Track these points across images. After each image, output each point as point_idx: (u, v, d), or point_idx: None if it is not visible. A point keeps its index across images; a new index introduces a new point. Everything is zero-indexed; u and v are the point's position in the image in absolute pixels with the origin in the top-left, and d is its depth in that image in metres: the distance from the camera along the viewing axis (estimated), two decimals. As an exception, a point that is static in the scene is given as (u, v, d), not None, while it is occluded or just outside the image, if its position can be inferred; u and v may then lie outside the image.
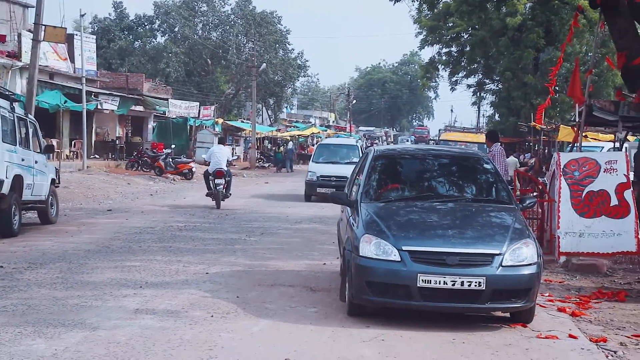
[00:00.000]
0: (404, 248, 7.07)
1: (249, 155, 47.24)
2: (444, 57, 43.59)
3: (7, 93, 14.06)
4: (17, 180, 13.16)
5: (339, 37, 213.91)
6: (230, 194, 20.21)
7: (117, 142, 37.96)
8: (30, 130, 14.41)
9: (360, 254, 7.20)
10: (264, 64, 53.04)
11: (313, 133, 64.93)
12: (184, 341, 6.42)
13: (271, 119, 75.27)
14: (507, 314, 7.55)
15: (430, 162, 9.01)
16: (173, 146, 36.53)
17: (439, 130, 58.85)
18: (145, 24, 67.36)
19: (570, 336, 7.09)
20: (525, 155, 36.07)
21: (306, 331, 6.92)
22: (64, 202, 19.13)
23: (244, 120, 60.26)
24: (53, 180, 15.44)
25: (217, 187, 19.18)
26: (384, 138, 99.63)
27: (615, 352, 6.65)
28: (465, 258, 7.04)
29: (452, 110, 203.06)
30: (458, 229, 7.49)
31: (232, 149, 43.17)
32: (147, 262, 10.42)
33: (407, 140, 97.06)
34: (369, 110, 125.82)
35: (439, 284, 6.94)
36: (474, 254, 7.09)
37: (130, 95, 37.69)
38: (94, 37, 44.41)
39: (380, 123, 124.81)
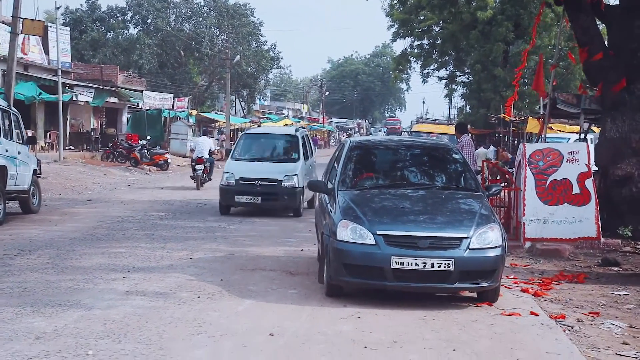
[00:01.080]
0: (379, 232, 7.60)
1: (224, 147, 47.50)
2: (415, 50, 44.15)
3: None
4: (1, 171, 13.51)
5: (312, 30, 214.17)
6: (211, 179, 23.52)
7: (92, 134, 38.10)
8: (13, 122, 14.67)
9: (338, 238, 7.71)
10: (238, 56, 53.28)
11: (286, 125, 65.30)
12: (175, 319, 6.89)
13: (244, 111, 75.49)
14: (474, 294, 8.12)
15: (403, 153, 9.58)
16: (148, 138, 36.77)
17: (411, 122, 59.59)
18: (118, 15, 67.11)
19: (532, 313, 7.66)
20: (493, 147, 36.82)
21: (288, 310, 7.43)
22: (43, 192, 19.40)
23: (218, 112, 60.47)
24: (35, 171, 15.77)
25: (197, 172, 22.91)
26: (357, 129, 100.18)
27: (572, 327, 7.23)
28: (435, 241, 7.59)
29: (424, 102, 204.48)
30: (429, 214, 8.05)
31: (218, 140, 43.38)
32: (133, 249, 10.87)
33: (380, 132, 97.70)
34: (341, 101, 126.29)
35: (411, 265, 7.47)
36: (444, 237, 7.64)
37: (105, 87, 37.86)
38: (68, 29, 44.36)
39: (353, 114, 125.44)
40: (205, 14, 67.73)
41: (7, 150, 13.78)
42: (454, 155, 9.41)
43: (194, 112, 51.43)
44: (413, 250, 7.52)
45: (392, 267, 7.48)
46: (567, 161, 11.96)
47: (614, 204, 12.46)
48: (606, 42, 13.44)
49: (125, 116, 44.02)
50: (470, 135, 13.88)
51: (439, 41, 42.75)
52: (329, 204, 8.53)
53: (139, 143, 34.21)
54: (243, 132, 19.51)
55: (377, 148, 9.85)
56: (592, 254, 11.61)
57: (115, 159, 33.55)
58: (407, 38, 44.06)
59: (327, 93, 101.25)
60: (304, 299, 7.92)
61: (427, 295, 8.00)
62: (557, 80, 33.17)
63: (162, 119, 44.73)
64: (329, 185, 8.89)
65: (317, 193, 9.76)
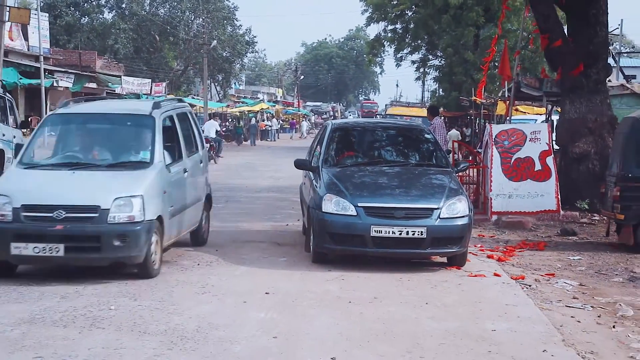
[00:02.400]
0: (359, 204, 8.54)
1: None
2: (389, 34, 45.06)
3: None
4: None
5: (286, 15, 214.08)
6: (221, 156, 28.94)
7: (71, 119, 38.60)
8: (8, 108, 15.38)
9: (323, 210, 8.65)
10: (215, 41, 53.82)
11: (262, 109, 66.02)
12: (180, 282, 7.80)
13: (220, 95, 75.97)
14: (444, 259, 9.11)
15: (380, 133, 10.54)
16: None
17: (385, 104, 60.65)
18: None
19: (495, 275, 8.67)
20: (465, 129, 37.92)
21: (279, 274, 8.36)
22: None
23: (195, 97, 60.96)
24: None
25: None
26: (332, 113, 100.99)
27: (530, 285, 8.24)
28: (409, 212, 8.55)
29: (397, 85, 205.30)
30: (403, 188, 9.02)
31: (220, 123, 44.17)
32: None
33: (351, 115, 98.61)
34: (316, 85, 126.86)
35: (388, 233, 8.43)
36: (417, 208, 8.61)
37: (85, 73, 38.31)
38: (47, 15, 44.64)
39: (327, 98, 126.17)
40: (180, -2, 67.90)
41: (3, 135, 14.48)
42: (426, 136, 10.40)
43: (172, 97, 51.99)
44: (390, 219, 8.47)
45: (371, 235, 8.43)
46: (530, 140, 12.99)
47: (573, 180, 13.55)
48: (566, 30, 14.46)
49: (103, 101, 44.44)
50: (442, 117, 14.85)
51: (412, 25, 43.67)
52: (313, 180, 9.45)
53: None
54: (50, 113, 10.21)
55: (356, 129, 10.81)
56: (552, 225, 12.66)
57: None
58: (380, 22, 44.99)
59: (302, 77, 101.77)
60: (293, 265, 8.86)
61: (403, 260, 8.96)
62: (524, 64, 34.43)
63: (140, 103, 45.27)
64: (314, 164, 9.81)
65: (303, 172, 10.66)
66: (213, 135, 29.04)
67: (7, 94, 16.19)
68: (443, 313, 6.87)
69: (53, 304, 6.71)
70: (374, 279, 8.17)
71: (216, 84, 75.15)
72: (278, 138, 57.52)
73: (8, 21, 21.69)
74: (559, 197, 12.82)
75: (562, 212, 12.92)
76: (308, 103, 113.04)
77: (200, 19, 65.81)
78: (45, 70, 33.28)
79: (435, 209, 8.60)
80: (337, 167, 9.54)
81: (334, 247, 8.67)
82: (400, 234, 8.43)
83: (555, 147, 13.90)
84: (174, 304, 6.85)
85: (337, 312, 6.80)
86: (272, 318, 6.51)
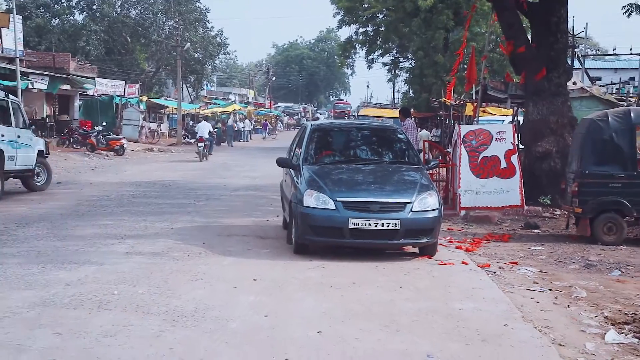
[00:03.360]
0: (338, 199, 9.24)
1: (177, 132, 48.62)
2: (360, 37, 45.89)
3: None
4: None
5: (257, 16, 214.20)
6: (212, 154, 32.70)
7: (47, 120, 38.85)
8: (12, 109, 16.12)
9: (304, 205, 9.33)
10: (188, 43, 54.24)
11: (235, 110, 66.48)
12: (174, 270, 8.43)
13: (192, 96, 76.25)
14: (416, 249, 9.84)
15: (356, 134, 11.27)
16: (104, 124, 37.74)
17: (358, 106, 61.47)
18: (63, 1, 67.08)
19: (463, 263, 9.42)
20: (434, 130, 38.80)
21: (264, 263, 9.02)
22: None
23: (167, 98, 61.27)
24: (42, 152, 17.43)
25: (199, 148, 31.15)
26: (303, 114, 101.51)
27: (494, 272, 8.99)
28: (384, 206, 9.26)
29: (368, 86, 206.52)
30: (378, 184, 9.73)
31: (213, 125, 44.96)
32: (118, 221, 12.30)
33: (322, 115, 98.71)
34: (287, 86, 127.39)
35: (365, 225, 9.13)
36: (391, 202, 9.32)
37: (59, 75, 38.56)
38: (21, 17, 44.75)
39: (299, 99, 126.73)
40: (151, 0, 68.09)
41: (2, 135, 15.31)
42: (399, 135, 11.15)
43: (145, 98, 52.31)
44: (366, 213, 9.17)
45: (349, 227, 9.13)
46: (496, 140, 13.80)
47: (536, 177, 14.41)
48: (529, 36, 15.32)
49: (77, 103, 44.71)
50: (413, 118, 15.61)
51: (383, 28, 44.54)
52: (295, 177, 10.12)
53: (95, 129, 35.24)
54: None
55: (333, 130, 11.54)
56: (516, 219, 13.49)
57: (71, 144, 34.51)
58: (352, 25, 45.83)
59: (274, 78, 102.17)
60: (276, 256, 9.53)
61: (379, 250, 9.69)
62: (492, 67, 35.38)
63: (114, 105, 45.59)
64: (295, 162, 10.49)
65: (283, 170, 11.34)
66: (206, 135, 32.89)
67: (11, 96, 17.02)
68: (416, 295, 7.58)
69: (59, 290, 7.31)
70: (352, 267, 8.86)
71: (188, 85, 75.42)
72: (251, 139, 58.05)
73: (-12, 25, 22.02)
74: (523, 193, 13.66)
75: (525, 207, 13.76)
76: (279, 104, 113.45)
77: (172, 21, 66.06)
78: (24, 73, 33.61)
79: (408, 203, 9.32)
80: (317, 165, 10.22)
81: (315, 238, 9.36)
82: (375, 226, 9.13)
83: (520, 146, 14.73)
84: (170, 289, 7.48)
85: (320, 295, 7.48)
86: (261, 301, 7.17)
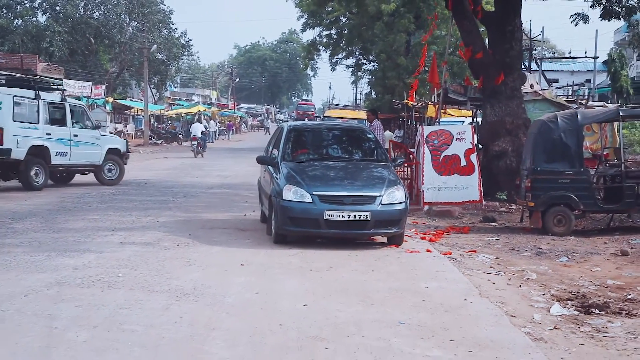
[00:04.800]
0: (314, 193, 10.19)
1: (143, 133, 49.12)
2: (324, 40, 46.91)
3: (37, 84, 19.16)
4: (39, 150, 17.81)
5: (218, 17, 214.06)
6: (205, 151, 36.71)
7: (16, 121, 39.20)
8: (69, 112, 18.79)
9: (284, 198, 10.27)
10: (155, 45, 54.71)
11: (200, 111, 67.06)
12: (168, 257, 9.32)
13: (155, 97, 76.56)
14: (385, 239, 10.83)
15: (328, 133, 12.28)
16: (74, 124, 38.16)
17: (323, 107, 62.38)
18: (25, 1, 66.91)
19: (427, 251, 10.44)
20: (397, 130, 39.88)
21: (248, 252, 9.94)
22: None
23: (132, 99, 61.62)
24: (117, 150, 20.38)
25: (193, 146, 35.83)
26: (266, 115, 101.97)
27: (455, 258, 10.01)
28: (356, 199, 10.24)
29: (330, 87, 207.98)
30: (350, 179, 10.71)
31: (205, 125, 48.51)
32: (105, 216, 13.12)
33: (285, 117, 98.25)
34: (249, 87, 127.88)
35: (339, 217, 10.10)
36: (362, 196, 10.31)
37: (28, 76, 38.89)
38: (-12, 18, 44.96)
39: (261, 100, 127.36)
40: (115, 1, 68.24)
41: (49, 134, 18.01)
42: (368, 135, 12.18)
43: (111, 99, 52.74)
44: (340, 205, 10.15)
45: (325, 218, 10.09)
46: (456, 140, 14.89)
47: (493, 174, 15.54)
48: (487, 42, 16.46)
49: (44, 104, 45.00)
50: (379, 119, 16.66)
51: (346, 31, 45.62)
52: (274, 174, 11.06)
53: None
54: None
55: (308, 130, 12.53)
56: (475, 214, 14.59)
57: (40, 145, 34.97)
58: (316, 28, 46.86)
59: (238, 80, 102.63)
60: (258, 245, 10.46)
61: (351, 240, 10.68)
62: (452, 69, 36.63)
63: (80, 106, 45.98)
64: (273, 160, 11.44)
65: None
66: (199, 134, 36.62)
67: (71, 100, 20.37)
68: (386, 277, 8.57)
69: (69, 273, 8.16)
70: (328, 254, 9.82)
71: (152, 86, 75.72)
72: (216, 139, 58.71)
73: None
74: (482, 189, 14.76)
75: (484, 202, 14.87)
76: (242, 105, 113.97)
77: (136, 22, 66.36)
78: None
79: (378, 196, 10.32)
80: (294, 162, 11.17)
81: (293, 228, 10.31)
82: (348, 217, 10.12)
83: (479, 145, 15.85)
84: (168, 272, 8.37)
85: (302, 276, 8.43)
86: (250, 281, 8.10)
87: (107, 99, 51.11)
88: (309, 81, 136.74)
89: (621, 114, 12.83)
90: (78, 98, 45.64)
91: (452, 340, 5.99)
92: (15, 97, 17.67)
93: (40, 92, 18.41)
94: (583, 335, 6.49)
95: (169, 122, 67.88)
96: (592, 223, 13.54)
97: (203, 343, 5.75)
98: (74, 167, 19.64)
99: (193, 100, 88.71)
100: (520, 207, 13.63)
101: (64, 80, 45.70)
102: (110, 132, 43.21)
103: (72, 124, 18.96)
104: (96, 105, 48.05)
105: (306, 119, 59.12)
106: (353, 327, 6.31)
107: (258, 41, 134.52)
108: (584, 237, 12.23)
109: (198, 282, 7.90)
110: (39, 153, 17.93)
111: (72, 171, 20.14)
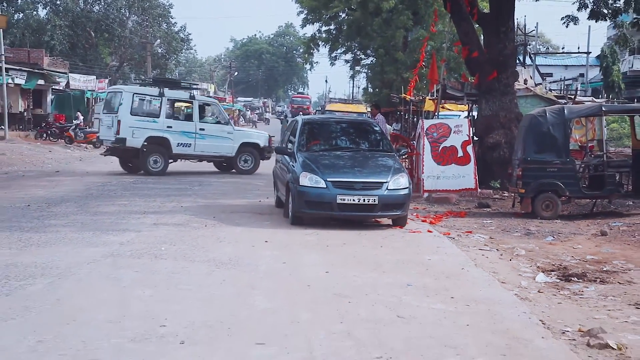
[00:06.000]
0: (328, 179, 11.42)
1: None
2: (323, 35, 48.01)
3: (175, 84, 22.52)
4: (159, 140, 20.77)
5: (215, 11, 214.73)
6: None
7: (25, 114, 40.34)
8: (196, 108, 21.47)
9: (300, 184, 11.49)
10: (159, 39, 55.76)
11: (199, 104, 67.93)
12: (199, 235, 10.53)
13: (154, 90, 77.38)
14: (390, 221, 12.07)
15: (339, 126, 13.49)
16: (82, 117, 39.37)
17: (324, 101, 63.44)
18: (26, -5, 67.67)
19: (428, 231, 11.68)
20: (394, 124, 41.07)
21: (269, 231, 11.16)
22: (10, 166, 22.46)
23: (134, 93, 62.45)
24: (255, 144, 22.34)
25: None
26: (263, 108, 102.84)
27: (454, 238, 11.25)
28: (365, 185, 11.47)
29: (326, 81, 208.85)
30: (360, 167, 11.94)
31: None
32: (133, 202, 14.32)
33: (281, 109, 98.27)
34: (246, 81, 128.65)
35: (350, 200, 11.33)
36: (371, 182, 11.53)
37: (37, 70, 40.07)
38: (-2, 14, 45.98)
39: (258, 94, 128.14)
40: (115, -4, 69.05)
41: (169, 127, 20.91)
42: (375, 127, 13.42)
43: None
44: (351, 190, 11.37)
45: (337, 202, 11.32)
46: (454, 132, 16.11)
47: (487, 164, 16.80)
48: (482, 42, 17.69)
49: (49, 97, 46.13)
50: (382, 113, 17.88)
51: (345, 27, 46.72)
52: (290, 163, 12.27)
53: (73, 123, 36.92)
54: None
55: (320, 123, 13.77)
56: (471, 200, 15.83)
57: (48, 137, 36.13)
58: (315, 24, 47.92)
59: (236, 73, 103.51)
60: (277, 226, 11.69)
61: (360, 221, 11.92)
62: (449, 64, 37.77)
63: (86, 99, 47.15)
64: (290, 150, 12.65)
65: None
66: None
67: (200, 96, 23.19)
68: (393, 251, 9.81)
69: (118, 247, 9.37)
70: (340, 234, 11.04)
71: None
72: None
73: (-14, 26, 23.67)
74: (477, 178, 16.00)
75: (479, 190, 16.11)
76: (239, 98, 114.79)
77: (135, 16, 67.33)
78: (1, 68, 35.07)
79: (384, 182, 11.55)
80: (308, 152, 12.40)
81: (309, 211, 11.54)
82: (358, 201, 11.34)
83: (474, 138, 17.10)
84: (203, 247, 9.59)
85: (320, 251, 9.66)
86: (276, 254, 9.32)
87: (110, 92, 52.16)
88: (305, 75, 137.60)
89: (603, 109, 14.10)
90: (83, 92, 47.02)
91: (452, 298, 7.22)
92: (135, 94, 21.17)
93: (165, 90, 21.15)
94: (562, 296, 7.72)
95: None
96: (577, 208, 14.83)
97: (247, 298, 6.98)
98: (199, 157, 21.99)
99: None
100: (512, 194, 14.86)
101: (70, 74, 46.91)
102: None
103: (200, 119, 21.55)
104: (100, 99, 49.15)
105: (301, 113, 60.05)
106: (369, 288, 7.54)
107: (255, 35, 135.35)
108: (569, 220, 13.47)
109: (231, 254, 9.11)
110: (159, 143, 20.77)
111: (205, 160, 22.50)
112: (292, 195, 11.70)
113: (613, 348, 5.77)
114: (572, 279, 8.61)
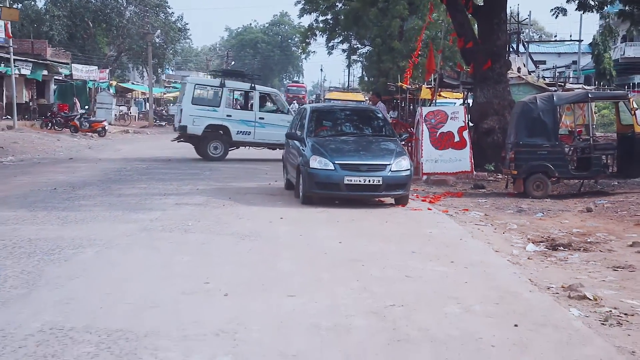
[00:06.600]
0: (336, 162, 12.42)
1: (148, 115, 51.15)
2: (320, 25, 48.95)
3: (245, 76, 24.22)
4: (218, 128, 22.56)
5: (213, 6, 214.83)
6: None
7: (30, 104, 41.24)
8: (257, 98, 22.96)
9: (310, 167, 12.49)
10: (159, 30, 56.58)
11: (198, 93, 68.82)
12: (220, 213, 11.53)
13: (153, 81, 78.20)
14: (393, 201, 13.09)
15: (344, 113, 14.50)
16: (87, 107, 40.30)
17: (323, 90, 64.42)
18: (24, -15, 68.23)
19: (428, 209, 12.71)
20: (391, 112, 42.05)
21: (282, 210, 12.14)
22: (24, 153, 23.42)
23: (134, 83, 63.44)
24: None
25: None
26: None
27: (452, 215, 12.26)
28: (370, 167, 12.48)
29: (321, 70, 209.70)
30: (365, 151, 12.94)
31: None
32: (151, 185, 15.29)
33: None
34: (242, 70, 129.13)
35: (356, 181, 12.34)
36: (375, 164, 12.54)
37: (41, 61, 40.94)
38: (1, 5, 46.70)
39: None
40: (112, -14, 69.65)
41: (229, 116, 22.63)
42: (377, 114, 14.43)
43: (114, 83, 54.72)
44: (357, 172, 12.38)
45: (345, 182, 12.33)
46: (450, 119, 17.12)
47: (482, 148, 17.83)
48: (476, 33, 18.69)
49: (52, 87, 47.02)
50: (383, 101, 18.89)
51: (342, 17, 47.64)
52: (300, 147, 13.26)
53: (78, 112, 37.85)
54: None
55: (327, 111, 14.80)
56: (467, 182, 16.87)
57: (53, 126, 37.02)
58: (312, 14, 48.86)
59: (233, 63, 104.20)
60: (289, 205, 12.68)
61: (366, 201, 12.93)
62: (445, 53, 38.73)
63: (87, 89, 48.07)
64: (300, 135, 13.64)
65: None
66: None
67: (260, 87, 23.99)
68: (397, 226, 10.83)
69: (149, 224, 10.36)
70: (348, 212, 12.03)
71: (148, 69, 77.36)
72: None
73: (1, 19, 24.55)
74: (472, 161, 17.02)
75: (474, 173, 17.15)
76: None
77: (132, 6, 68.02)
78: (6, 59, 35.97)
79: (388, 164, 12.55)
80: (317, 137, 13.39)
81: (319, 191, 12.55)
82: (364, 181, 12.35)
83: (470, 123, 18.11)
84: (225, 223, 10.58)
85: (332, 226, 10.67)
86: (292, 229, 10.32)
87: (110, 82, 53.05)
88: (300, 63, 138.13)
89: (589, 96, 15.12)
90: (85, 82, 47.93)
91: (452, 262, 8.23)
92: (197, 85, 23.12)
93: (226, 81, 22.97)
94: (549, 262, 8.75)
95: (166, 105, 69.65)
96: (565, 188, 15.89)
97: (273, 263, 7.99)
98: (259, 144, 23.25)
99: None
100: (505, 175, 15.88)
101: (72, 64, 47.78)
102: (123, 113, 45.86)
103: (261, 108, 22.96)
104: (101, 89, 50.08)
105: (295, 102, 60.51)
106: (379, 254, 8.55)
107: (250, 24, 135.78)
108: (558, 199, 14.51)
109: (252, 229, 10.11)
110: (219, 131, 22.52)
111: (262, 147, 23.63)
112: (303, 177, 12.69)
113: (589, 299, 6.80)
114: (559, 248, 9.62)
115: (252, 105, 23.34)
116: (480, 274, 7.70)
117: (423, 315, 6.02)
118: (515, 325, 5.78)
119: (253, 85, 23.67)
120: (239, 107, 24.49)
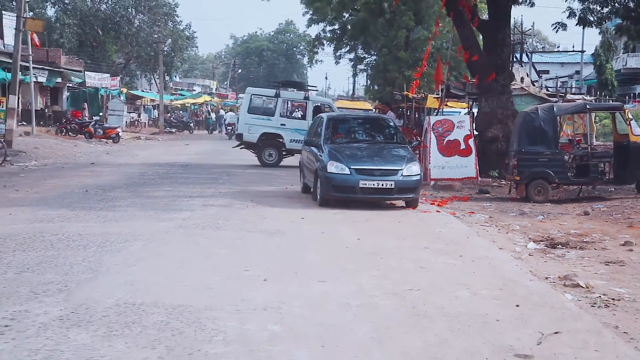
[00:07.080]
0: (352, 167, 13.40)
1: (159, 122, 52.15)
2: (328, 34, 49.98)
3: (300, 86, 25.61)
4: (273, 136, 23.90)
5: (216, 8, 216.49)
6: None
7: (46, 111, 42.29)
8: (310, 108, 23.82)
9: (328, 171, 13.47)
10: (170, 39, 57.68)
11: (206, 101, 69.98)
12: (245, 213, 12.50)
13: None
14: (404, 204, 14.06)
15: (358, 121, 15.51)
16: (100, 114, 41.34)
17: (332, 98, 65.57)
18: (35, -6, 69.33)
19: (437, 211, 13.68)
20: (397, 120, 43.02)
21: (302, 211, 13.09)
22: (46, 158, 24.44)
23: (143, 90, 64.51)
24: None
25: (228, 130, 45.39)
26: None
27: (459, 217, 13.23)
28: (383, 171, 13.45)
29: (326, 78, 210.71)
30: (378, 156, 13.93)
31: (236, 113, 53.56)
32: (176, 188, 16.26)
33: None
34: (247, 78, 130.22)
35: (371, 185, 13.31)
36: (388, 169, 13.51)
37: (56, 69, 42.00)
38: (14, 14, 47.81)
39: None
40: (122, -5, 70.78)
41: (283, 124, 23.80)
42: (389, 122, 15.45)
43: (125, 90, 55.80)
44: (371, 176, 13.36)
45: (360, 186, 13.31)
46: (457, 127, 18.09)
47: (487, 156, 18.82)
48: (481, 45, 19.69)
49: (65, 94, 48.07)
50: (392, 110, 19.91)
51: (349, 27, 48.68)
52: (318, 153, 14.24)
53: (93, 119, 38.90)
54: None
55: (342, 119, 15.80)
56: (472, 187, 17.84)
57: (67, 133, 38.02)
58: (320, 23, 49.90)
59: (240, 70, 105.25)
60: (308, 207, 13.65)
61: (379, 203, 13.91)
62: (451, 65, 39.74)
63: (99, 96, 49.13)
64: (317, 142, 14.63)
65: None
66: (235, 121, 41.74)
67: (315, 96, 25.78)
68: (410, 225, 11.80)
69: (182, 222, 11.33)
70: (363, 213, 12.99)
71: (157, 76, 78.49)
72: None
73: (25, 30, 25.56)
74: (478, 168, 17.99)
75: (479, 179, 18.12)
76: (241, 95, 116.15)
77: (141, 15, 69.14)
78: (25, 67, 36.97)
79: (399, 169, 13.53)
80: (334, 144, 14.37)
81: (336, 194, 13.53)
82: (377, 185, 13.33)
83: (475, 132, 19.10)
84: (252, 222, 11.55)
85: (349, 225, 11.64)
86: (314, 227, 11.29)
87: (121, 89, 54.13)
88: (305, 72, 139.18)
89: (587, 107, 16.12)
90: (97, 89, 48.97)
91: (460, 256, 9.20)
92: (253, 95, 24.39)
93: (281, 91, 24.24)
94: (548, 258, 9.71)
95: (174, 112, 70.69)
96: (565, 193, 16.87)
97: (301, 255, 8.97)
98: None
99: (194, 90, 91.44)
100: (509, 181, 16.85)
101: (86, 72, 48.85)
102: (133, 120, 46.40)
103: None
104: (112, 96, 51.13)
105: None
106: (395, 249, 9.53)
107: (255, 32, 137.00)
108: (558, 204, 15.47)
109: (277, 227, 11.08)
110: (273, 139, 23.90)
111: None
112: (321, 181, 13.67)
113: (582, 287, 7.77)
114: (557, 246, 10.57)
115: (304, 115, 24.57)
116: (486, 266, 8.67)
117: (437, 297, 6.99)
118: (517, 306, 6.73)
119: (307, 95, 24.94)
120: (299, 116, 26.11)
